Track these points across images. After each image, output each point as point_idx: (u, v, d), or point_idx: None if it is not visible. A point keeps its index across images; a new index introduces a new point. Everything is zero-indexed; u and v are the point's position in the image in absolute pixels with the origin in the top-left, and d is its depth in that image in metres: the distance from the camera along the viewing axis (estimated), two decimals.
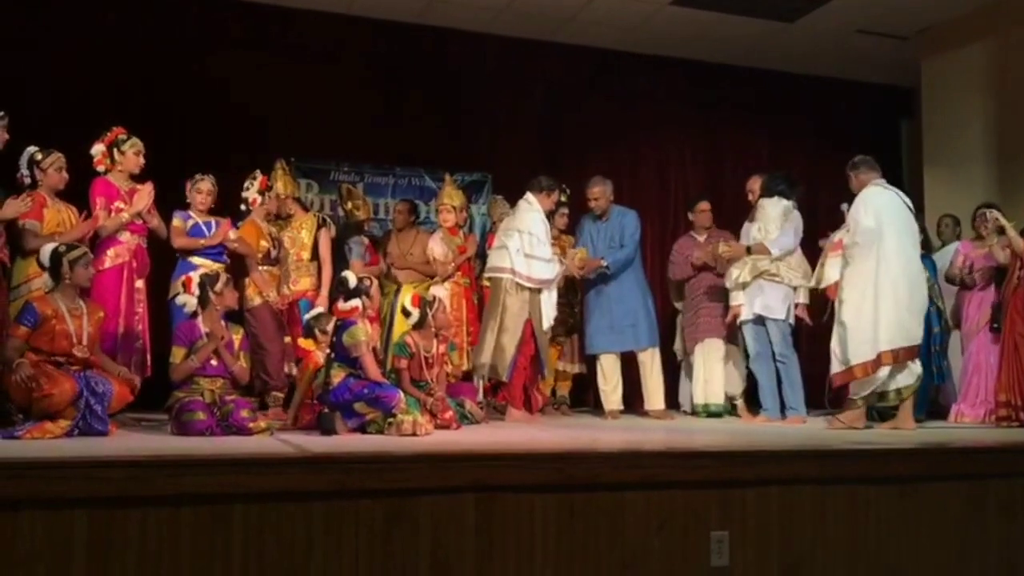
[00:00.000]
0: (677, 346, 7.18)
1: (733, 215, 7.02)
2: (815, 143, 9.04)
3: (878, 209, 5.29)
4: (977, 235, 6.46)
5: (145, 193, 5.27)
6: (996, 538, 3.92)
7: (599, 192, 6.41)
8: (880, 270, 5.19)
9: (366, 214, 6.81)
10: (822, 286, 5.48)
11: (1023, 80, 7.30)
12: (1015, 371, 5.65)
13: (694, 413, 6.68)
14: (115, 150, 5.31)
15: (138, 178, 5.39)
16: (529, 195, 6.09)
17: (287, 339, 5.75)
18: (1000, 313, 6.00)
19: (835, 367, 5.32)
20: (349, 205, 6.72)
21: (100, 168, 5.31)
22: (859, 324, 5.20)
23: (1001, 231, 5.84)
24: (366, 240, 6.60)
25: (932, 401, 6.54)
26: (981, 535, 3.90)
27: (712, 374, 6.58)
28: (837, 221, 6.69)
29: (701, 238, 6.83)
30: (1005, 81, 7.47)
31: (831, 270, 5.40)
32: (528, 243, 5.88)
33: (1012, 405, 5.64)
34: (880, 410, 5.56)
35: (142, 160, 5.36)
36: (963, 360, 6.41)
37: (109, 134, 5.35)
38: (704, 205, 6.94)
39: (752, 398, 6.68)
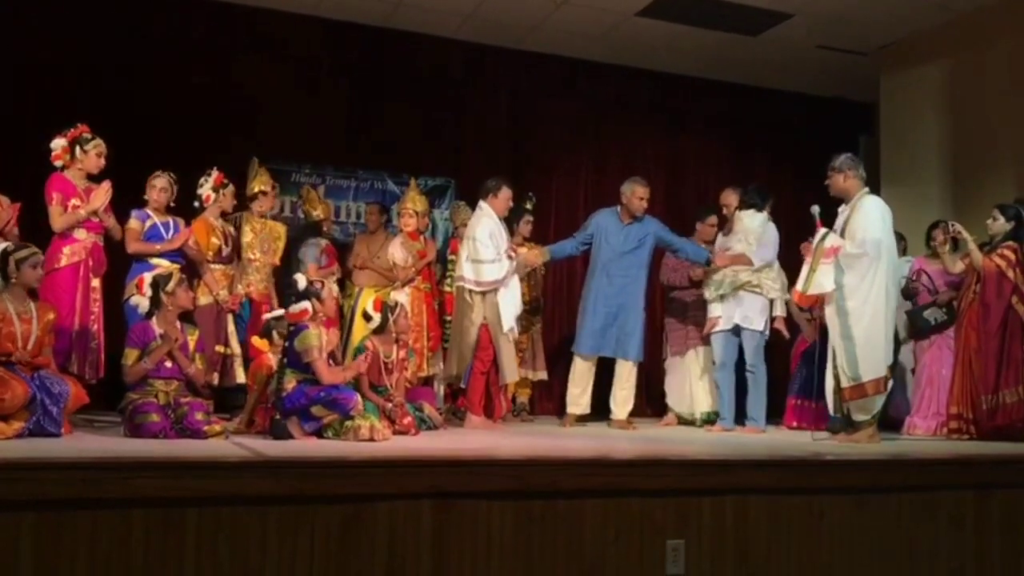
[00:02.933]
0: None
1: (694, 224, 7.06)
2: (775, 156, 9.16)
3: (884, 220, 5.16)
4: (932, 252, 6.56)
5: (102, 192, 5.17)
6: (946, 549, 3.98)
7: (645, 192, 6.28)
8: (887, 284, 5.09)
9: (325, 214, 6.79)
10: (811, 292, 5.15)
11: (979, 99, 7.45)
12: (967, 384, 5.73)
13: (688, 422, 6.63)
14: (77, 148, 5.20)
15: (95, 177, 5.29)
16: (481, 202, 6.03)
17: (219, 348, 5.63)
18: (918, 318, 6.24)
19: (843, 382, 5.07)
20: (307, 207, 6.70)
21: (58, 163, 5.20)
22: (872, 338, 5.02)
23: (956, 244, 5.94)
24: (323, 243, 6.54)
25: (882, 412, 6.63)
26: (932, 546, 3.96)
27: (704, 381, 6.59)
28: (795, 232, 6.80)
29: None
30: (962, 99, 7.61)
31: (825, 278, 5.06)
32: (473, 248, 5.85)
33: (963, 418, 5.71)
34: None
35: (103, 162, 5.27)
36: (916, 372, 6.51)
37: (73, 130, 5.23)
38: (713, 219, 6.80)
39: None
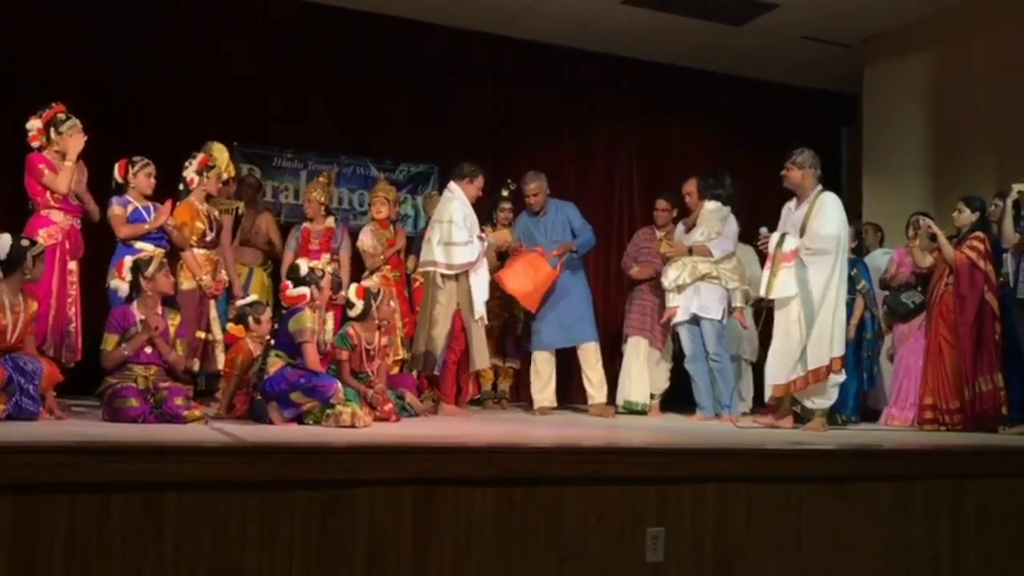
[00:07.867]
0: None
1: (679, 213, 7.06)
2: (757, 146, 9.16)
3: (842, 216, 5.28)
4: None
5: (73, 171, 5.01)
6: (921, 537, 4.02)
7: (536, 188, 6.34)
8: (843, 275, 5.22)
9: (325, 196, 6.63)
10: (774, 296, 5.24)
11: (961, 91, 7.49)
12: (940, 375, 5.81)
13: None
14: (52, 129, 5.05)
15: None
16: (452, 184, 6.00)
17: (201, 334, 5.60)
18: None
19: (811, 364, 5.12)
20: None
21: (35, 144, 5.06)
22: (837, 321, 5.15)
23: (933, 238, 6.00)
24: (300, 228, 6.48)
25: (861, 404, 6.69)
26: (907, 534, 4.00)
27: (634, 371, 6.66)
28: (773, 224, 6.82)
29: (660, 235, 6.81)
30: (943, 92, 7.66)
31: (787, 282, 5.17)
32: (447, 232, 5.80)
33: (937, 408, 5.79)
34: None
35: (81, 143, 5.16)
36: (894, 364, 6.56)
37: (48, 111, 5.07)
38: (663, 204, 6.88)
39: (671, 398, 6.82)
